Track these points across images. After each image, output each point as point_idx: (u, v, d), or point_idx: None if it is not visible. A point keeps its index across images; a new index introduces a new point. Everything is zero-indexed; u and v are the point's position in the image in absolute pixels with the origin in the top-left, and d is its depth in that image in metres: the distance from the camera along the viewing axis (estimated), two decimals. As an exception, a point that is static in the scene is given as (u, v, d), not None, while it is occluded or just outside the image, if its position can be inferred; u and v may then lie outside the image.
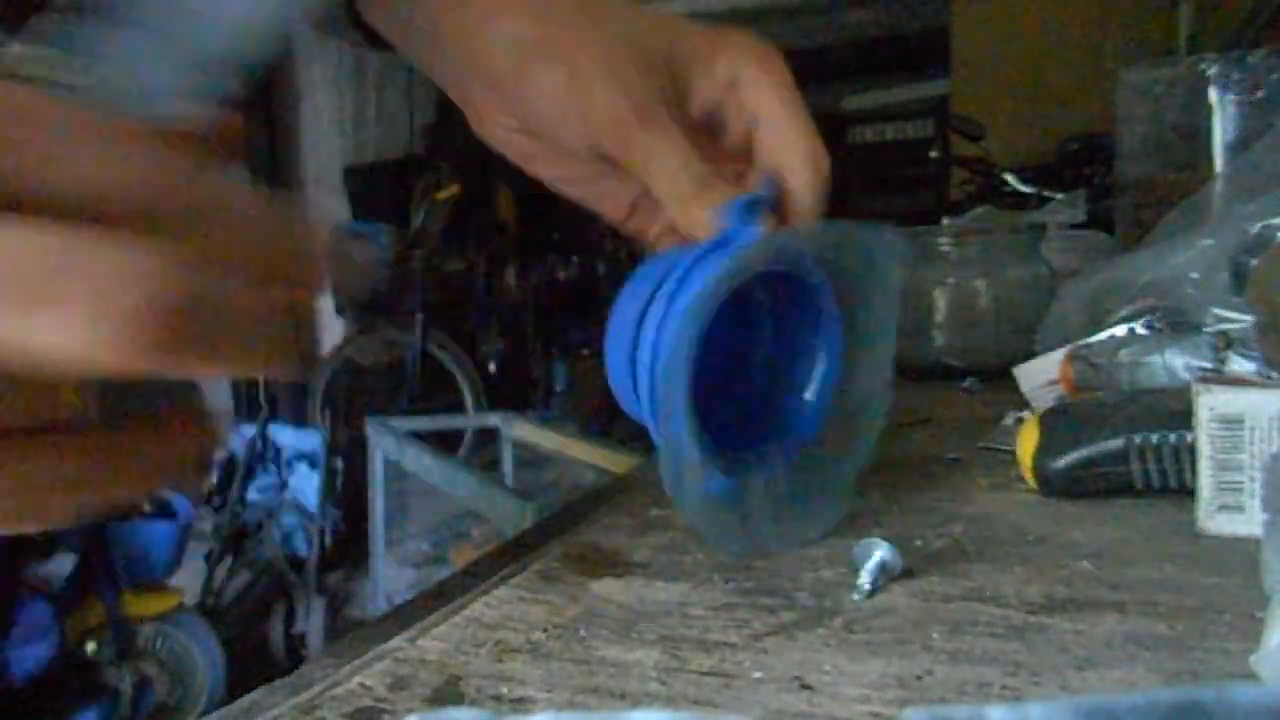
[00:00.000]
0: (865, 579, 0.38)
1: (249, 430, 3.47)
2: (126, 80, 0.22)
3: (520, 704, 0.30)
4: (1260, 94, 0.91)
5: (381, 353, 4.15)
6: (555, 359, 4.50)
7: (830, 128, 4.37)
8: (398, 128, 4.74)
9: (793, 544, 0.43)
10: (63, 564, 2.08)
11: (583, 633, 0.35)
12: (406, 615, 0.37)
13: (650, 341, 0.38)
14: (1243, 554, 0.39)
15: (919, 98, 4.14)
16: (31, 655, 1.80)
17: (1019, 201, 1.78)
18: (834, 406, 0.45)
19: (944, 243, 0.87)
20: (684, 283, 0.38)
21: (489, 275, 4.48)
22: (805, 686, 0.30)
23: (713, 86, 0.42)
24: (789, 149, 0.42)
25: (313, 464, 3.36)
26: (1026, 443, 0.50)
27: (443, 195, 4.10)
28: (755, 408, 0.46)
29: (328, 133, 4.61)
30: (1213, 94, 0.93)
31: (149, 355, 0.18)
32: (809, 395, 0.45)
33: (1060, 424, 0.50)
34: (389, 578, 2.65)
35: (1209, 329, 0.60)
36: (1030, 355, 0.72)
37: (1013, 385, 0.71)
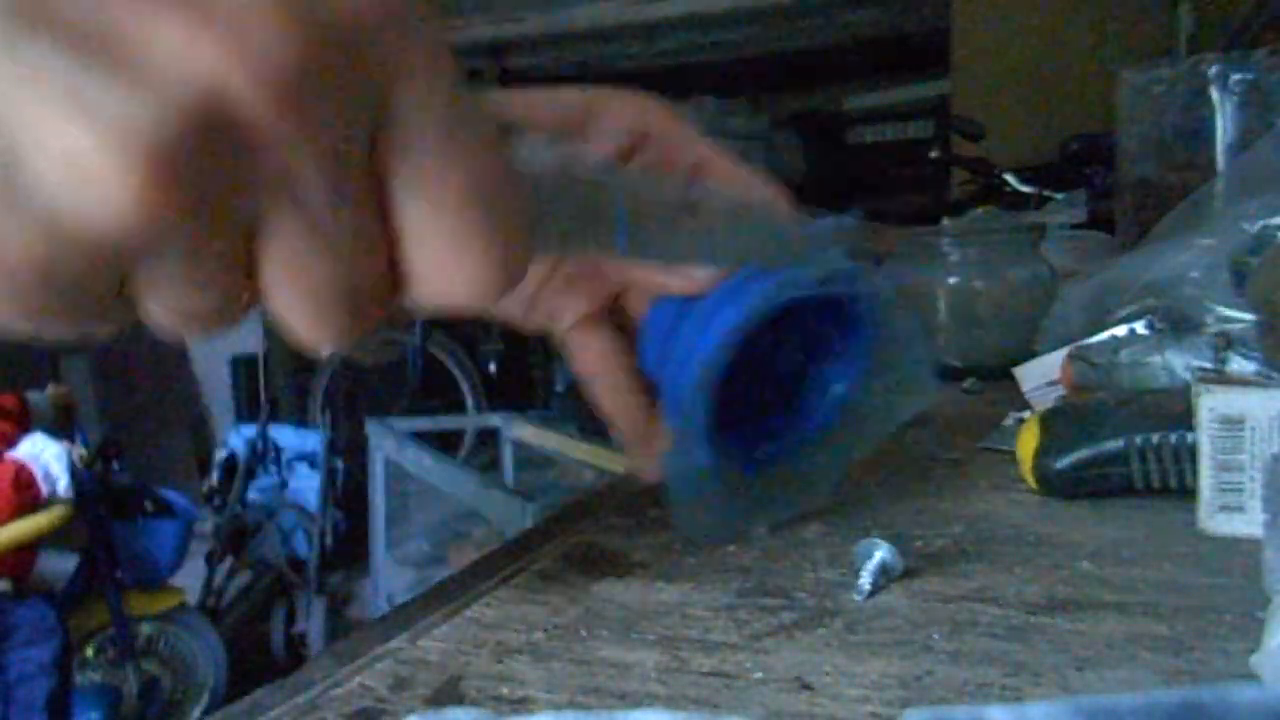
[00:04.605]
0: (865, 579, 0.38)
1: (249, 430, 3.47)
2: None
3: (520, 704, 0.30)
4: (1260, 94, 0.92)
5: (381, 353, 4.15)
6: (555, 359, 4.50)
7: (830, 128, 4.36)
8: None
9: (760, 524, 0.45)
10: (65, 564, 2.07)
11: (583, 633, 0.35)
12: (407, 615, 0.37)
13: (685, 344, 0.39)
14: (1243, 554, 0.39)
15: (919, 98, 4.14)
16: (35, 656, 1.80)
17: (1019, 201, 1.78)
18: (848, 411, 0.46)
19: (944, 243, 0.87)
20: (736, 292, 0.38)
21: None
22: (805, 687, 0.30)
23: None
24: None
25: (313, 464, 3.36)
26: (1026, 443, 0.50)
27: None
28: (763, 391, 0.47)
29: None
30: (1213, 94, 0.93)
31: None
32: (831, 394, 0.46)
33: (1060, 424, 0.50)
34: (389, 578, 2.64)
35: (1209, 329, 0.60)
36: (1030, 355, 0.72)
37: (1013, 385, 0.71)
